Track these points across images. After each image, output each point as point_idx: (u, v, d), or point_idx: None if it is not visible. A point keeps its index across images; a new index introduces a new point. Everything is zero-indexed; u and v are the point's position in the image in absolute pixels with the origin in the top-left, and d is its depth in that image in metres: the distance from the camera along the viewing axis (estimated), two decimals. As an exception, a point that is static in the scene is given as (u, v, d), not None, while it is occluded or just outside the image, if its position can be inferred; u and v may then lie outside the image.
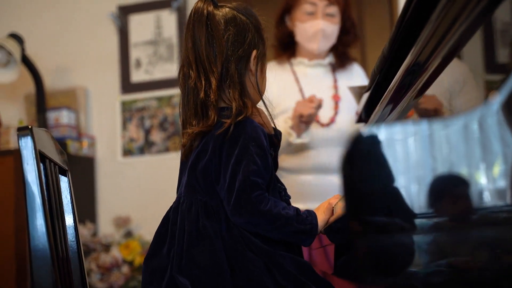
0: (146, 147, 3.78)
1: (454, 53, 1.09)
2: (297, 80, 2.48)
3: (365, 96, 1.85)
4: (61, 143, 3.62)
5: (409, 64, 1.29)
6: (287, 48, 2.53)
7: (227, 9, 1.47)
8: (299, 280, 1.34)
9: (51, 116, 3.75)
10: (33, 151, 1.25)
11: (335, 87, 2.50)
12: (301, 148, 2.39)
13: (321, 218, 1.39)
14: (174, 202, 1.45)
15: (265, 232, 1.37)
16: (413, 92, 1.36)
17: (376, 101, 1.72)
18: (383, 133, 0.73)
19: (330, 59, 2.54)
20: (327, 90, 2.49)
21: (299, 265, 1.37)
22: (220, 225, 1.37)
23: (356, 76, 2.57)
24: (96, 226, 3.71)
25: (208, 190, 1.39)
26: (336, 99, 2.48)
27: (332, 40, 2.49)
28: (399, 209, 0.71)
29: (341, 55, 2.54)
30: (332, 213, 1.42)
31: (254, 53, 1.45)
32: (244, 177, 1.33)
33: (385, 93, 1.55)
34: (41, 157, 1.33)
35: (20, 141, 1.25)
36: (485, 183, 0.77)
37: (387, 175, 0.70)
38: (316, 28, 2.43)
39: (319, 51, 2.49)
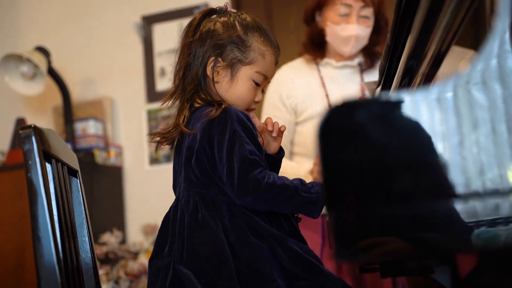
0: (172, 155, 3.79)
1: (449, 35, 1.08)
2: (323, 84, 2.41)
3: (378, 91, 1.83)
4: (88, 153, 3.68)
5: (409, 51, 1.28)
6: (317, 47, 2.45)
7: (217, 17, 1.53)
8: (307, 260, 1.33)
9: (78, 127, 3.80)
10: (36, 149, 1.26)
11: (363, 89, 2.41)
12: None
13: None
14: (174, 201, 1.46)
15: (274, 206, 1.36)
16: (418, 78, 1.34)
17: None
18: (364, 106, 0.72)
19: (359, 59, 2.46)
20: (354, 93, 2.41)
21: (305, 249, 1.37)
22: (221, 215, 1.37)
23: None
24: (124, 234, 3.74)
25: (205, 181, 1.40)
26: None
27: (364, 42, 2.41)
28: (368, 186, 0.69)
29: (371, 54, 2.46)
30: None
31: (211, 59, 1.47)
32: (242, 157, 1.33)
33: (392, 86, 1.53)
34: (47, 156, 1.34)
35: (23, 140, 1.26)
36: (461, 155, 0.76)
37: (360, 148, 0.69)
38: (350, 33, 2.35)
39: (350, 54, 2.42)
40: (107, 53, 4.04)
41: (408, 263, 1.35)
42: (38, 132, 1.29)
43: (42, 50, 3.70)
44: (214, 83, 1.48)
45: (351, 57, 2.45)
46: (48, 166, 1.37)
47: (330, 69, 2.44)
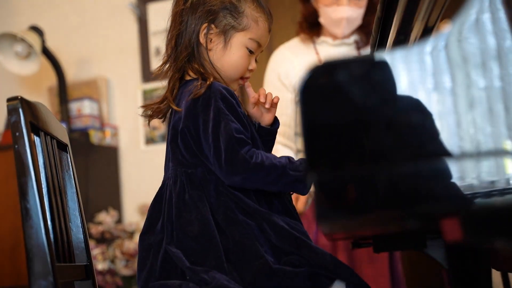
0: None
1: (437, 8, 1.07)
2: (320, 62, 2.41)
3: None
4: (84, 133, 3.67)
5: (399, 22, 1.26)
6: (312, 26, 2.45)
7: None
8: (293, 236, 1.33)
9: (74, 107, 3.79)
10: (23, 121, 1.25)
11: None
12: None
13: None
14: (164, 178, 1.45)
15: (263, 185, 1.35)
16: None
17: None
18: (341, 65, 0.71)
19: (355, 37, 2.46)
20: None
21: (292, 225, 1.36)
22: (208, 194, 1.36)
23: None
24: (120, 214, 3.75)
25: (192, 161, 1.39)
26: None
27: (357, 22, 2.41)
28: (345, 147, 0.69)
29: (367, 33, 2.44)
30: None
31: (203, 26, 1.45)
32: (228, 136, 1.32)
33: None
34: (35, 129, 1.33)
35: (9, 112, 1.25)
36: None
37: (340, 108, 0.68)
38: (341, 15, 2.36)
39: (343, 35, 2.42)
40: (102, 32, 4.02)
41: (400, 237, 1.35)
42: (25, 104, 1.28)
43: (36, 30, 3.68)
44: (207, 50, 1.46)
45: (347, 36, 2.44)
46: (36, 139, 1.37)
47: (326, 47, 2.45)
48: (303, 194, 1.40)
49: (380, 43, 1.57)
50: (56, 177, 1.42)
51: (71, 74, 3.97)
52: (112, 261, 3.39)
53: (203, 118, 1.36)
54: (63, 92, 3.73)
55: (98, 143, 3.75)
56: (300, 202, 2.32)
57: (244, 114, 1.43)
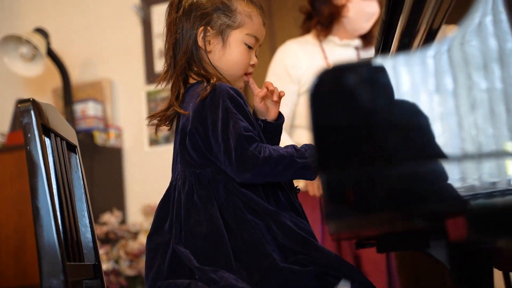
0: (172, 136, 3.82)
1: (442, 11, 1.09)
2: (325, 58, 2.49)
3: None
4: (88, 135, 3.70)
5: (403, 26, 1.29)
6: (326, 25, 2.52)
7: None
8: (300, 236, 1.35)
9: (78, 108, 3.82)
10: (35, 123, 1.27)
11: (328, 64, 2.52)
12: None
13: None
14: (172, 179, 1.48)
15: (273, 177, 1.38)
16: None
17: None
18: (351, 69, 0.73)
19: (357, 41, 2.55)
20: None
21: (299, 224, 1.38)
22: (217, 194, 1.38)
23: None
24: (124, 215, 3.77)
25: (201, 162, 1.41)
26: None
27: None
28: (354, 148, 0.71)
29: (368, 34, 2.55)
30: None
31: (200, 30, 1.48)
32: (237, 135, 1.34)
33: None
34: (46, 130, 1.36)
35: (22, 114, 1.28)
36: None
37: (351, 110, 0.70)
38: (374, 9, 2.48)
39: (365, 32, 2.53)
40: (106, 34, 4.04)
41: (404, 237, 1.37)
42: (36, 106, 1.31)
43: (41, 32, 3.71)
44: (207, 53, 1.49)
45: (352, 37, 2.53)
46: (47, 140, 1.39)
47: (332, 46, 2.52)
48: (312, 179, 1.42)
49: (384, 45, 1.59)
50: (65, 177, 1.45)
51: (76, 76, 3.99)
52: (116, 261, 3.41)
53: (212, 118, 1.38)
54: (67, 94, 3.76)
55: (102, 144, 3.77)
56: (313, 186, 2.33)
57: (251, 112, 1.46)
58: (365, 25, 2.50)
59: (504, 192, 0.81)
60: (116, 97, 4.00)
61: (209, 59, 1.48)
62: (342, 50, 2.53)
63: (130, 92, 3.97)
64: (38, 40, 3.62)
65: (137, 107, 3.93)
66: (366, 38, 2.56)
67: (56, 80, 3.92)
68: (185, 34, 1.49)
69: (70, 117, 3.74)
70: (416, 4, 1.16)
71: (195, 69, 1.48)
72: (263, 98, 1.52)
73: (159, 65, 3.91)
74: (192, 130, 1.41)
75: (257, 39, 1.52)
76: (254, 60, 1.53)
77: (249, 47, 1.51)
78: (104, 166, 3.76)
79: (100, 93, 3.96)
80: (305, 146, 1.40)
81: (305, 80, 2.45)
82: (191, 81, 1.50)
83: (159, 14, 3.93)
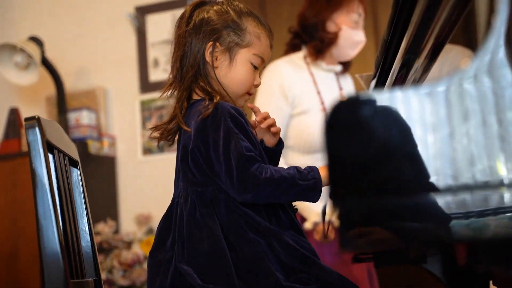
0: (166, 145, 3.81)
1: (447, 29, 1.11)
2: (315, 82, 2.57)
3: (373, 83, 1.86)
4: (82, 143, 3.69)
5: (406, 45, 1.30)
6: (320, 50, 2.60)
7: (209, 6, 1.55)
8: (303, 254, 1.36)
9: (72, 117, 3.81)
10: (40, 140, 1.28)
11: (341, 95, 2.56)
12: (315, 149, 2.48)
13: (324, 173, 1.38)
14: (174, 196, 1.48)
15: (274, 199, 1.39)
16: (413, 74, 1.37)
17: (382, 87, 1.74)
18: (364, 101, 0.75)
19: (339, 67, 2.66)
20: (337, 96, 2.58)
21: (301, 243, 1.39)
22: (219, 212, 1.39)
23: (350, 84, 2.76)
24: (118, 224, 3.76)
25: (203, 180, 1.42)
26: None
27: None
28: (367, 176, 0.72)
29: (347, 62, 2.68)
30: None
31: (208, 45, 1.49)
32: (239, 155, 1.35)
33: (389, 78, 1.56)
34: (49, 147, 1.36)
35: (27, 131, 1.28)
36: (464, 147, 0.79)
37: (365, 142, 0.71)
38: (361, 38, 2.60)
39: (352, 57, 2.64)
40: (100, 43, 4.04)
41: (401, 252, 1.38)
42: (41, 123, 1.31)
43: (36, 40, 3.70)
44: (214, 68, 1.49)
45: (335, 62, 2.64)
46: (50, 156, 1.39)
47: (319, 70, 2.61)
48: (314, 202, 1.42)
49: (383, 65, 1.61)
50: (68, 194, 1.45)
51: (70, 84, 3.99)
52: (110, 271, 3.41)
53: (213, 137, 1.39)
54: (61, 102, 3.75)
55: (96, 153, 3.77)
56: (318, 233, 2.39)
57: (252, 132, 1.46)
58: (352, 53, 2.61)
59: (496, 211, 0.82)
60: (110, 106, 4.00)
61: (215, 74, 1.49)
62: (326, 74, 2.63)
63: (124, 101, 3.97)
64: (33, 49, 3.62)
65: (131, 116, 3.93)
66: (346, 65, 2.68)
67: (49, 88, 3.91)
68: (193, 47, 1.50)
69: (64, 125, 3.73)
70: (422, 25, 1.18)
71: (201, 83, 1.49)
72: (257, 128, 1.53)
73: (154, 74, 3.91)
74: (194, 149, 1.41)
75: (263, 60, 1.54)
76: (258, 80, 1.54)
77: (255, 67, 1.52)
78: (97, 175, 3.75)
79: (94, 102, 3.95)
80: (309, 168, 1.41)
81: (297, 102, 2.51)
82: (195, 96, 1.51)
83: (154, 23, 3.94)
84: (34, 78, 3.67)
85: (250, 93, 1.55)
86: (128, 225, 3.79)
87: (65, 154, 1.49)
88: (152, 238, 3.49)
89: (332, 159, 0.73)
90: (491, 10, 0.81)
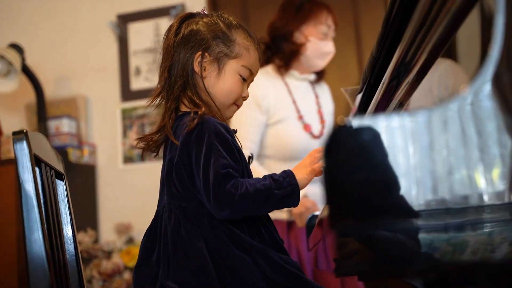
0: (148, 154, 3.80)
1: (438, 50, 1.12)
2: (289, 91, 2.62)
3: (359, 97, 1.87)
4: (62, 151, 3.66)
5: (396, 62, 1.31)
6: (288, 61, 2.64)
7: (198, 18, 1.55)
8: (289, 271, 1.36)
9: (52, 124, 3.78)
10: (28, 155, 1.27)
11: (318, 103, 2.69)
12: (294, 157, 2.52)
13: (300, 176, 1.40)
14: (158, 209, 1.47)
15: (253, 212, 1.39)
16: (402, 91, 1.38)
17: (368, 102, 1.74)
18: (363, 125, 0.75)
19: (313, 76, 2.71)
20: (313, 104, 2.69)
21: (285, 259, 1.39)
22: (202, 228, 1.38)
23: (327, 91, 2.81)
24: (97, 233, 3.74)
25: (186, 195, 1.41)
26: (320, 114, 2.67)
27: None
28: (368, 202, 0.73)
29: (322, 70, 2.73)
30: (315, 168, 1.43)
31: (197, 55, 1.49)
32: (215, 172, 1.34)
33: (376, 93, 1.57)
34: (36, 161, 1.35)
35: (15, 145, 1.27)
36: (464, 175, 0.80)
37: (363, 167, 0.72)
38: (330, 49, 2.63)
39: (322, 68, 2.68)
40: (81, 51, 4.02)
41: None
42: (29, 137, 1.30)
43: (16, 47, 3.67)
44: (202, 78, 1.49)
45: (309, 71, 2.68)
46: (37, 170, 1.38)
47: (293, 79, 2.66)
48: (294, 207, 1.43)
49: (369, 81, 1.62)
50: (54, 206, 1.44)
51: (50, 92, 3.96)
52: (89, 281, 3.38)
53: (196, 152, 1.38)
54: (42, 110, 3.72)
55: (76, 161, 3.74)
56: (301, 219, 2.39)
57: (239, 148, 1.46)
58: (321, 63, 2.66)
59: (474, 223, 0.83)
60: (90, 114, 3.97)
61: (204, 84, 1.49)
62: (300, 83, 2.68)
63: (105, 109, 3.95)
64: (13, 56, 3.58)
65: (111, 124, 3.91)
66: (320, 74, 2.73)
67: (29, 96, 3.88)
68: (182, 58, 1.50)
69: (44, 133, 3.70)
70: (409, 47, 1.19)
71: (189, 94, 1.48)
72: None
73: (135, 83, 3.90)
74: (179, 163, 1.41)
75: (251, 72, 1.54)
76: (246, 93, 1.54)
77: (243, 79, 1.52)
78: (77, 183, 3.72)
79: (75, 110, 3.93)
80: (284, 174, 1.41)
81: (273, 111, 2.55)
82: (183, 108, 1.50)
83: (136, 31, 3.93)
84: (15, 86, 3.63)
85: (238, 105, 1.55)
86: (108, 234, 3.76)
87: (51, 168, 1.48)
88: (132, 248, 3.48)
89: (330, 184, 0.73)
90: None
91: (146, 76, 3.89)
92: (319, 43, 2.60)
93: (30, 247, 1.24)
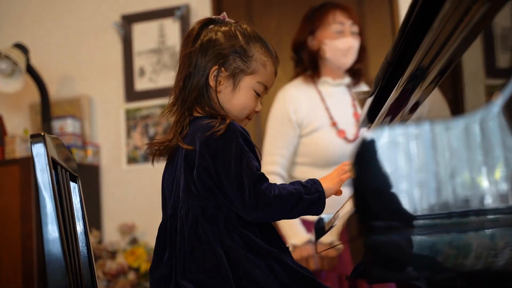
0: (158, 159, 3.79)
1: (455, 58, 1.12)
2: (323, 99, 2.66)
3: (369, 100, 1.88)
4: (66, 152, 3.66)
5: (412, 69, 1.32)
6: (315, 67, 2.69)
7: (217, 27, 1.54)
8: (303, 275, 1.37)
9: (56, 125, 3.79)
10: (46, 158, 1.28)
11: (354, 106, 2.71)
12: (331, 163, 2.54)
13: (327, 185, 1.43)
14: (170, 209, 1.47)
15: (283, 215, 1.41)
16: (415, 96, 1.39)
17: (379, 106, 1.75)
18: (385, 136, 0.76)
19: (348, 79, 2.73)
20: (349, 108, 2.70)
21: (299, 265, 1.41)
22: (219, 229, 1.39)
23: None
24: (101, 234, 3.74)
25: (205, 195, 1.41)
26: (357, 116, 2.68)
27: (355, 56, 2.70)
28: (395, 210, 0.74)
29: (356, 71, 2.74)
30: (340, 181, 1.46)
31: (213, 69, 1.49)
32: (251, 173, 1.36)
33: (389, 97, 1.58)
34: (53, 163, 1.36)
35: (33, 148, 1.28)
36: (486, 186, 0.81)
37: (382, 178, 0.74)
38: (349, 44, 2.64)
39: (349, 66, 2.69)
40: (86, 51, 4.03)
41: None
42: (47, 140, 1.31)
43: (21, 47, 3.67)
44: (217, 92, 1.50)
45: (343, 76, 2.72)
46: (53, 172, 1.39)
47: (327, 86, 2.70)
48: (319, 214, 1.44)
49: (384, 85, 1.63)
50: (69, 208, 1.45)
51: (54, 92, 3.96)
52: (94, 281, 3.39)
53: (224, 154, 1.38)
54: (46, 110, 3.72)
55: (80, 162, 3.74)
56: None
57: (259, 153, 1.47)
58: (346, 60, 2.67)
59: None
60: (94, 114, 3.98)
61: (217, 98, 1.49)
62: (335, 89, 2.71)
63: (109, 110, 3.95)
64: (18, 56, 3.59)
65: (115, 125, 3.92)
66: (355, 76, 2.74)
67: (34, 96, 3.89)
68: (198, 69, 1.49)
69: (48, 133, 3.70)
70: (431, 50, 1.19)
71: (203, 105, 1.49)
72: None
73: (139, 83, 3.90)
74: (200, 166, 1.40)
75: (266, 88, 1.54)
76: (259, 107, 1.54)
77: (258, 94, 1.52)
78: (81, 183, 3.72)
79: (79, 110, 3.93)
80: (311, 181, 1.43)
81: (306, 123, 2.61)
82: (195, 114, 1.51)
83: (140, 32, 3.94)
84: (19, 86, 3.64)
85: (249, 118, 1.56)
86: (111, 234, 3.77)
87: (66, 170, 1.48)
88: (136, 249, 3.49)
89: (359, 192, 0.74)
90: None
91: (150, 77, 3.89)
92: (335, 43, 2.63)
93: (48, 248, 1.25)
